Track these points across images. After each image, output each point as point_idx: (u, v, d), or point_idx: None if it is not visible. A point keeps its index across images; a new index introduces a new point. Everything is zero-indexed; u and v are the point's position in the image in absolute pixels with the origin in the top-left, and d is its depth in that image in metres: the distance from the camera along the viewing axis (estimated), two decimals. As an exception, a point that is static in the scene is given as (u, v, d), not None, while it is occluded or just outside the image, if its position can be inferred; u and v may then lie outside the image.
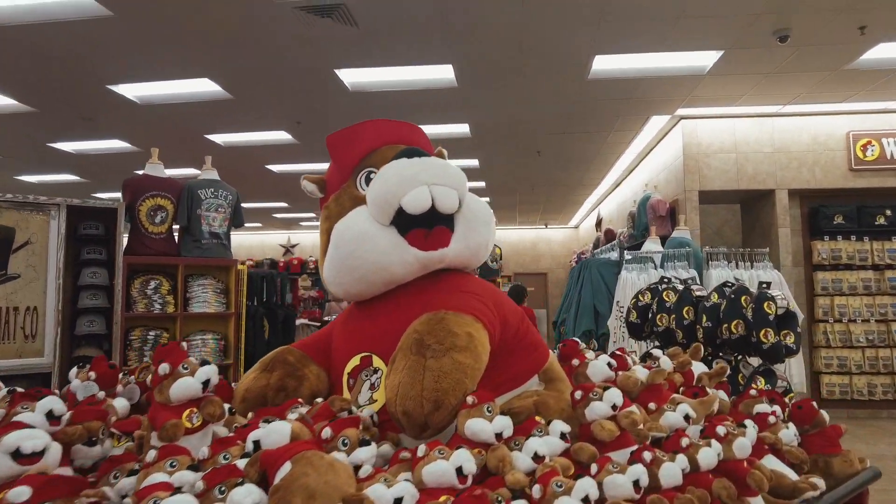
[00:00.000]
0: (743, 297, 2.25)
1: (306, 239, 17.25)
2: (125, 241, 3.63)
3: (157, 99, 6.17)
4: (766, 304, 2.12)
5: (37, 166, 9.29)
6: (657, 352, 1.93)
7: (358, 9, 4.33)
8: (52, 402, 1.10)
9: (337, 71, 5.55)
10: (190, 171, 9.63)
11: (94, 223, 3.58)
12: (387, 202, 1.48)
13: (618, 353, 1.84)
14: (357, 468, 1.06)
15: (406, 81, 5.80)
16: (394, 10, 4.37)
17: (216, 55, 5.13)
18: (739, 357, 2.33)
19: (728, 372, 1.90)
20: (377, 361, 1.53)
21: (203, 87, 5.87)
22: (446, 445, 1.13)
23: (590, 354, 1.94)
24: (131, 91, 6.00)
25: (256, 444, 1.08)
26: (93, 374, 1.53)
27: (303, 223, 16.08)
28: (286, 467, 0.97)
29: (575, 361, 1.60)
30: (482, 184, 11.05)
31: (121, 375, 1.61)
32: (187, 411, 1.12)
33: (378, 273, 1.52)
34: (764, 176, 6.84)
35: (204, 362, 1.18)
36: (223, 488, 0.95)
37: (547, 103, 6.48)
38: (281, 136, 7.68)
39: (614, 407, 1.36)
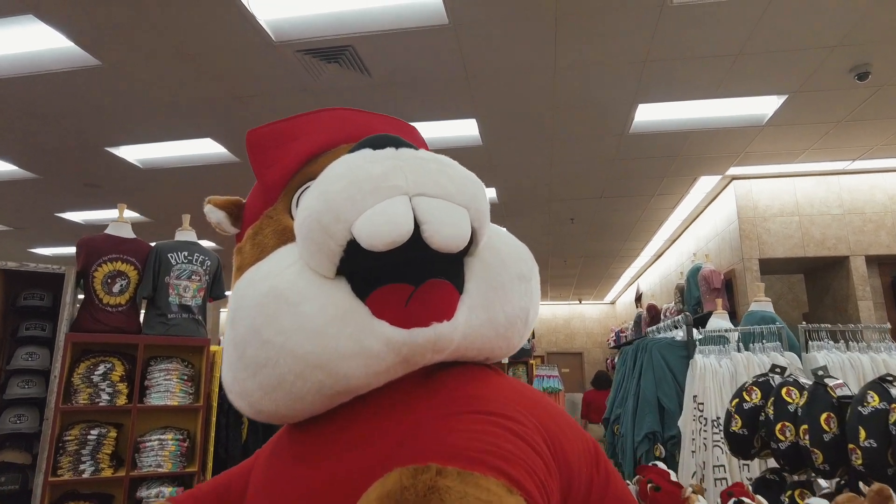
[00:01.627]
0: (930, 403, 1.42)
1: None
2: (75, 313, 2.97)
3: (159, 162, 5.76)
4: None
5: (47, 238, 9.00)
6: (818, 502, 1.11)
7: (369, 55, 3.84)
8: None
9: (349, 128, 5.04)
10: (204, 244, 9.24)
11: (38, 292, 2.95)
12: (325, 230, 0.74)
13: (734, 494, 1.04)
14: None
15: (426, 139, 5.25)
16: (409, 58, 3.87)
17: (217, 112, 4.69)
18: (931, 500, 1.46)
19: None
20: (307, 549, 0.75)
21: (207, 148, 5.44)
22: None
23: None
24: (133, 154, 5.60)
25: None
26: None
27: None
28: None
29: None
30: (511, 255, 10.34)
31: None
32: None
33: (311, 377, 0.75)
34: (834, 241, 5.97)
35: None
36: None
37: (582, 162, 5.84)
38: (295, 203, 7.19)
39: None
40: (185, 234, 3.29)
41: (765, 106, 4.63)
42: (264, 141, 1.02)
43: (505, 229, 0.97)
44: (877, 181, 6.03)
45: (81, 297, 3.04)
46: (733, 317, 6.39)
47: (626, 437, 3.50)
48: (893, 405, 1.49)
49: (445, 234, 0.72)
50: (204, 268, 3.22)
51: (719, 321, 3.98)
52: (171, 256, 3.12)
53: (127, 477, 2.87)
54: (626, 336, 12.88)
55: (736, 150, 5.48)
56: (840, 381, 1.72)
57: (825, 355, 2.73)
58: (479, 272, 0.81)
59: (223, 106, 4.58)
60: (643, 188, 6.62)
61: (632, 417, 3.44)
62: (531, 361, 7.20)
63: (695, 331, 3.32)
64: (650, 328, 4.37)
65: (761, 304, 3.41)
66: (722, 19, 3.47)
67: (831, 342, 2.85)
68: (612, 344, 14.37)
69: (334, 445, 0.77)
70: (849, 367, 2.63)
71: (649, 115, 4.72)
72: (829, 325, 2.90)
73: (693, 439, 2.75)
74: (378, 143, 0.80)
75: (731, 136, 5.13)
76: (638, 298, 12.60)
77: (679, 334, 3.47)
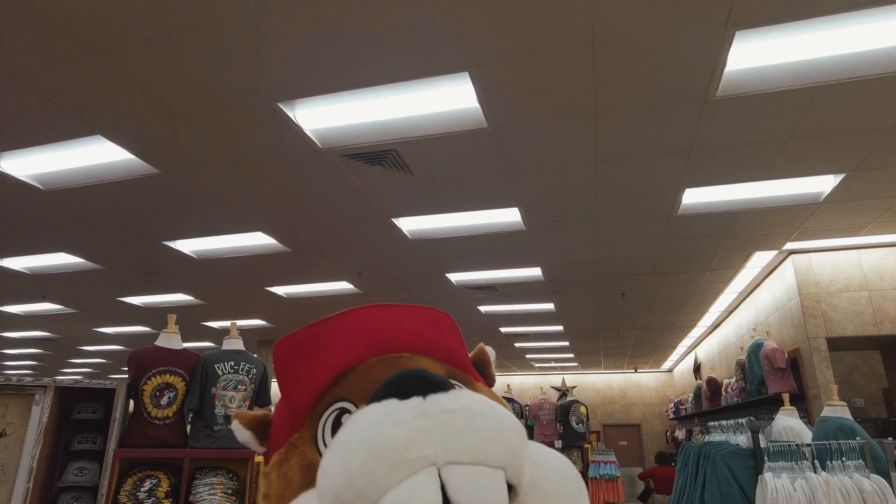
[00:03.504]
0: None
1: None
2: (125, 427, 3.01)
3: (212, 253, 5.98)
4: None
5: (111, 319, 9.40)
6: None
7: (411, 156, 3.93)
8: None
9: (395, 220, 5.13)
10: (256, 323, 9.44)
11: (91, 405, 3.01)
12: None
13: None
14: None
15: (468, 227, 5.28)
16: (449, 157, 3.94)
17: (267, 209, 4.87)
18: None
19: None
20: None
21: (257, 240, 5.63)
22: None
23: None
24: (187, 247, 5.85)
25: None
26: None
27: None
28: None
29: None
30: (560, 328, 10.10)
31: None
32: None
33: None
34: (912, 318, 5.55)
35: None
36: None
37: (629, 245, 5.72)
38: (343, 286, 7.30)
39: None
40: (233, 343, 3.32)
41: (821, 184, 4.44)
42: (292, 353, 0.98)
43: (552, 452, 0.89)
44: (953, 253, 5.64)
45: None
46: (802, 400, 5.95)
47: (692, 556, 3.20)
48: None
49: (479, 510, 0.65)
50: (250, 377, 3.23)
51: (788, 420, 3.69)
52: (218, 367, 3.15)
53: None
54: (685, 408, 12.19)
55: (792, 227, 5.25)
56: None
57: (916, 478, 2.44)
58: (526, 510, 0.73)
59: (273, 204, 4.75)
60: (695, 265, 6.39)
61: (698, 534, 3.15)
62: (586, 445, 6.83)
63: (761, 438, 3.06)
64: (711, 424, 4.08)
65: (835, 409, 3.12)
66: (769, 108, 3.40)
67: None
68: (672, 416, 13.61)
69: None
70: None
71: (697, 197, 4.60)
72: (918, 442, 2.61)
73: (771, 576, 2.47)
74: (404, 390, 0.75)
75: (786, 213, 4.93)
76: (696, 369, 11.99)
77: (743, 440, 3.21)
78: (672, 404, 13.32)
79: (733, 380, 7.35)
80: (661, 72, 3.07)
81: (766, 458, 2.81)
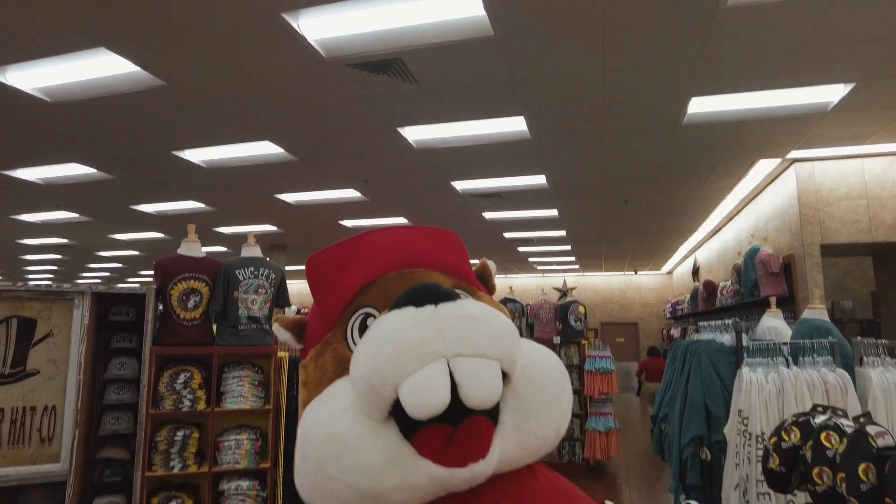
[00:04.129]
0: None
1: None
2: (157, 328, 3.28)
3: (221, 163, 6.07)
4: None
5: (125, 226, 9.66)
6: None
7: (416, 65, 3.91)
8: None
9: (400, 129, 5.16)
10: (268, 228, 9.68)
11: (124, 308, 3.27)
12: (375, 391, 0.87)
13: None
14: None
15: (474, 136, 5.31)
16: (454, 66, 3.91)
17: (273, 119, 4.90)
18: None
19: None
20: None
21: (265, 149, 5.69)
22: None
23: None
24: (197, 156, 5.92)
25: None
26: None
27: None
28: None
29: None
30: (563, 233, 10.31)
31: None
32: None
33: (367, 503, 0.92)
34: (907, 225, 5.68)
35: None
36: None
37: (634, 153, 5.75)
38: (351, 193, 7.42)
39: None
40: (251, 250, 3.52)
41: (829, 93, 4.41)
42: (322, 268, 1.15)
43: (541, 347, 1.07)
44: (956, 160, 5.66)
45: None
46: (791, 302, 6.23)
47: (672, 437, 3.57)
48: (930, 464, 1.53)
49: (480, 396, 0.84)
50: (269, 281, 3.46)
51: (773, 321, 3.94)
52: (239, 273, 3.37)
53: (209, 473, 3.21)
54: (681, 309, 12.68)
55: (797, 136, 5.25)
56: (883, 430, 1.75)
57: (879, 373, 2.69)
58: (512, 404, 0.93)
59: (279, 114, 4.78)
60: (698, 173, 6.45)
61: (679, 419, 3.50)
62: (583, 342, 7.24)
63: (744, 336, 3.31)
64: (702, 323, 4.35)
65: (815, 311, 3.35)
66: (780, 17, 3.33)
67: (888, 356, 2.80)
68: (668, 315, 14.17)
69: None
70: (903, 386, 2.60)
71: (703, 106, 4.59)
72: (888, 342, 2.84)
73: (737, 452, 2.80)
74: (419, 300, 0.92)
75: (791, 122, 4.92)
76: (695, 272, 12.32)
77: (727, 339, 3.47)
78: (669, 305, 13.82)
79: (729, 283, 7.64)
80: (671, -23, 2.99)
81: (745, 355, 3.07)
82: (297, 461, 0.99)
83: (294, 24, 3.44)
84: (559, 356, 6.16)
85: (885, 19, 3.37)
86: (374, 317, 1.03)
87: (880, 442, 1.70)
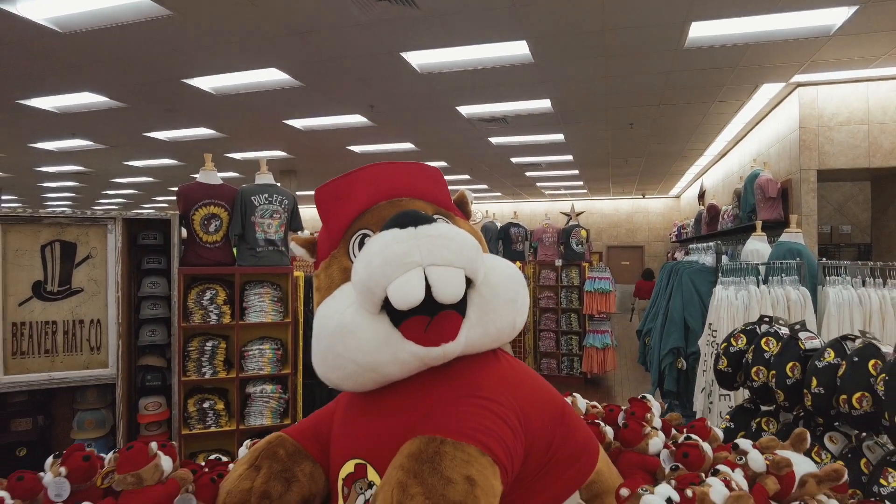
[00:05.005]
0: (871, 363, 1.72)
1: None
2: (182, 250, 3.59)
3: (230, 89, 6.18)
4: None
5: (139, 153, 9.87)
6: (744, 443, 1.50)
7: (416, -11, 3.96)
8: None
9: (403, 54, 5.22)
10: (277, 154, 9.84)
11: (152, 232, 3.57)
12: (370, 291, 1.16)
13: (690, 443, 1.48)
14: None
15: (477, 60, 5.36)
16: (455, -12, 3.96)
17: (278, 46, 4.98)
18: (864, 435, 1.82)
19: (845, 476, 1.42)
20: (371, 473, 1.25)
21: (272, 76, 5.78)
22: None
23: (654, 442, 1.56)
24: (206, 83, 6.04)
25: None
26: (63, 470, 1.38)
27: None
28: None
29: (624, 492, 1.23)
30: (569, 157, 10.39)
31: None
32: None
33: (367, 374, 1.22)
34: (905, 150, 5.75)
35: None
36: None
37: (637, 76, 5.78)
38: (357, 119, 7.53)
39: (669, 501, 1.04)
40: (264, 178, 3.76)
41: (833, 16, 4.40)
42: (327, 198, 1.42)
43: (503, 261, 1.35)
44: (961, 83, 5.63)
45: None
46: (786, 226, 6.42)
47: (653, 349, 3.93)
48: (843, 361, 1.81)
49: (446, 294, 1.13)
50: (283, 206, 3.72)
51: (756, 244, 4.17)
52: (255, 199, 3.63)
53: (237, 378, 3.63)
54: (686, 232, 12.89)
55: (800, 60, 5.25)
56: (812, 335, 2.03)
57: (838, 291, 2.95)
58: (476, 302, 1.22)
59: (283, 40, 4.86)
60: (702, 96, 6.46)
61: (660, 333, 3.84)
62: (584, 264, 7.55)
63: (724, 257, 3.57)
64: (692, 246, 4.60)
65: (792, 234, 3.57)
66: (778, -60, 3.33)
67: (848, 276, 3.05)
68: (674, 238, 14.41)
69: (387, 409, 1.24)
70: (857, 303, 2.86)
71: (704, 31, 4.60)
72: (849, 262, 3.08)
73: (705, 360, 3.14)
74: (403, 222, 1.19)
75: (794, 46, 4.91)
76: (701, 196, 12.42)
77: (709, 259, 3.73)
78: (675, 228, 14.02)
79: (730, 207, 7.80)
80: None
81: (720, 274, 3.34)
82: (314, 345, 1.30)
83: (296, -46, 3.50)
84: (560, 277, 6.47)
85: (886, -58, 3.36)
86: (370, 236, 1.31)
87: (808, 345, 1.99)
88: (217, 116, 7.37)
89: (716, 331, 3.08)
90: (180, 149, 9.36)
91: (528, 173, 12.20)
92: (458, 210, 1.52)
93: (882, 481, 1.65)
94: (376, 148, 9.31)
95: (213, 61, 5.37)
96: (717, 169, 10.70)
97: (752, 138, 7.90)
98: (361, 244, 1.31)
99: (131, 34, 4.68)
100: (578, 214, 8.38)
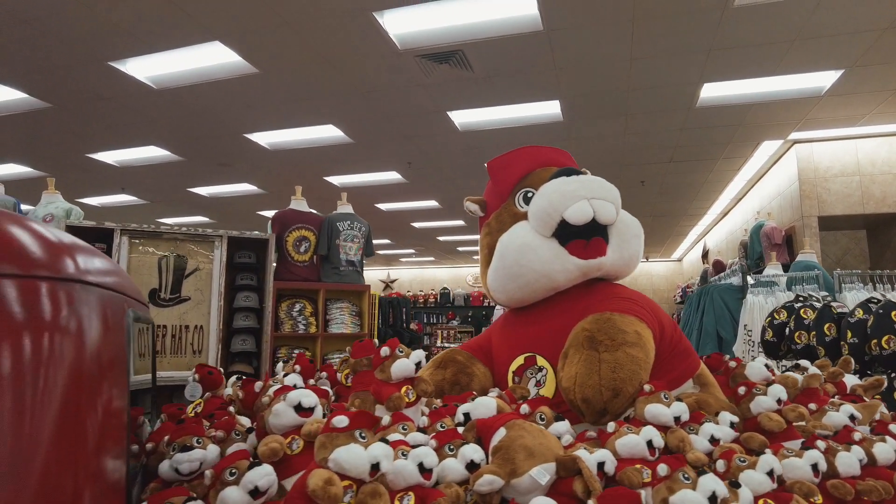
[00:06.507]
0: (893, 313, 2.20)
1: (404, 275, 17.87)
2: (274, 268, 4.07)
3: (285, 144, 6.85)
4: (921, 320, 2.06)
5: (175, 209, 10.44)
6: (805, 362, 1.95)
7: (473, 54, 4.67)
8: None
9: (449, 113, 5.92)
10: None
11: (247, 252, 4.05)
12: (549, 216, 1.67)
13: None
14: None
15: (512, 119, 6.07)
16: (506, 52, 4.67)
17: (343, 104, 5.67)
18: (893, 375, 2.26)
19: (884, 386, 1.88)
20: (541, 361, 1.70)
21: (327, 132, 6.45)
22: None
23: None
24: (264, 139, 6.70)
25: (467, 416, 1.27)
26: (298, 366, 1.81)
27: (402, 259, 16.70)
28: (501, 432, 1.14)
29: (732, 363, 1.68)
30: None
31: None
32: (404, 388, 1.33)
33: (540, 280, 1.70)
34: (894, 198, 6.40)
35: (412, 340, 1.40)
36: (451, 447, 1.15)
37: (652, 133, 6.50)
38: (392, 176, 8.19)
39: (779, 401, 1.44)
40: (345, 207, 4.32)
41: (822, 80, 5.14)
42: (497, 166, 1.96)
43: (626, 212, 1.87)
44: (938, 140, 6.36)
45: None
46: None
47: (690, 363, 4.34)
48: (871, 315, 2.29)
49: (606, 216, 1.64)
50: (361, 232, 4.25)
51: (773, 270, 4.69)
52: (339, 224, 4.16)
53: (316, 384, 4.00)
54: (691, 291, 13.41)
55: (797, 118, 5.99)
56: (841, 304, 2.52)
57: (853, 294, 3.44)
58: (616, 234, 1.73)
59: (349, 99, 5.55)
60: (709, 153, 7.19)
61: (696, 345, 4.26)
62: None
63: (749, 278, 4.08)
64: (714, 277, 5.11)
65: (806, 255, 4.10)
66: (778, 13, 4.08)
67: (860, 283, 3.54)
68: (679, 299, 14.88)
69: (549, 314, 1.72)
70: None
71: (714, 91, 5.33)
72: (860, 271, 3.59)
73: (743, 356, 3.56)
74: (566, 173, 1.72)
75: (791, 105, 5.65)
76: (705, 255, 13.03)
77: (735, 280, 4.23)
78: (679, 289, 14.53)
79: (736, 259, 8.38)
80: (691, -17, 3.74)
81: (749, 288, 3.83)
82: (496, 264, 1.78)
83: (380, 20, 4.21)
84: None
85: (864, 15, 4.11)
86: (532, 192, 1.83)
87: (839, 310, 2.47)
88: (264, 171, 8.01)
89: (751, 331, 3.54)
90: (218, 205, 9.95)
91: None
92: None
93: (913, 404, 2.09)
94: (402, 205, 9.95)
95: (280, 117, 6.05)
96: (720, 228, 11.38)
97: (754, 194, 8.60)
98: (526, 199, 1.83)
99: (216, 90, 5.35)
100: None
